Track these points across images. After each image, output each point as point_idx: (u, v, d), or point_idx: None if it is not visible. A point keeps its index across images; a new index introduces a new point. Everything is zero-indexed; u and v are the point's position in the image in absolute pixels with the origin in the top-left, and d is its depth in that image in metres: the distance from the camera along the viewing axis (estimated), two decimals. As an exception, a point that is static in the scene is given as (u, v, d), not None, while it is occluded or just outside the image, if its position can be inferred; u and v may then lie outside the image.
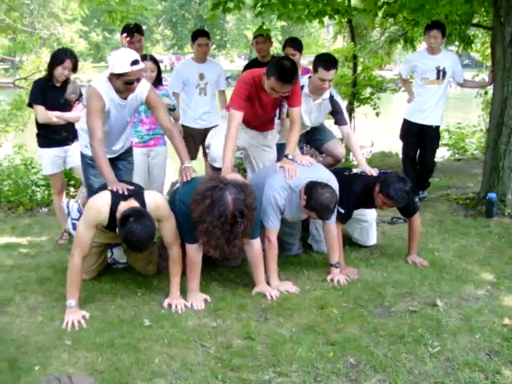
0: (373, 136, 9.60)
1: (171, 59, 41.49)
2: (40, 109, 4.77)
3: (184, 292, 3.78)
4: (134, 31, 5.40)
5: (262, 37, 5.82)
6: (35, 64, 9.68)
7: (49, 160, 4.95)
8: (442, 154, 9.08)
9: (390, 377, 2.85)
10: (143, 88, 3.90)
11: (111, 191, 3.59)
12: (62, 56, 4.73)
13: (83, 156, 4.29)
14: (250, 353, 3.10)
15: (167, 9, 49.66)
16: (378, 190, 4.06)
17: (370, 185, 4.16)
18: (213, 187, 3.47)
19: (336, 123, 4.77)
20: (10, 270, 4.34)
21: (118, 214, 3.49)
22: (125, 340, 3.21)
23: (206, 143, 4.59)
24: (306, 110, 4.63)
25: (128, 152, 4.44)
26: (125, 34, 5.32)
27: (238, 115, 4.08)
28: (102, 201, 3.55)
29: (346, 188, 4.13)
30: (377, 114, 8.42)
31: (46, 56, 9.85)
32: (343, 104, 4.84)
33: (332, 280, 4.06)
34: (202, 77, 5.71)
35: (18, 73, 10.51)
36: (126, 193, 3.58)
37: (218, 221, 3.38)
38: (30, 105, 4.95)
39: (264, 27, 5.46)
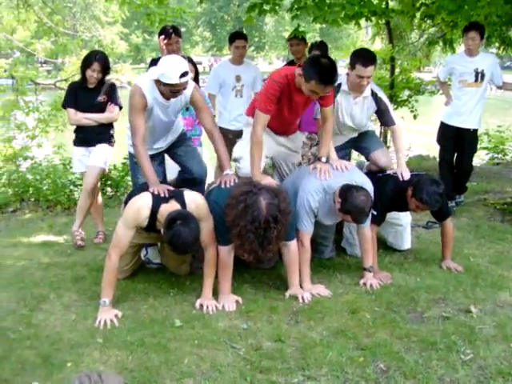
0: (410, 139, 9.47)
1: (210, 61, 41.75)
2: (70, 111, 4.92)
3: (216, 293, 3.80)
4: (171, 33, 5.43)
5: (297, 39, 5.81)
6: (75, 66, 9.84)
7: (77, 158, 5.12)
8: (480, 157, 8.91)
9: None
10: (187, 88, 3.90)
11: (152, 193, 3.64)
12: (90, 59, 4.83)
13: (131, 155, 4.39)
14: (280, 355, 3.09)
15: (206, 11, 49.93)
16: (411, 193, 4.01)
17: (403, 187, 4.12)
18: (247, 192, 3.48)
19: (383, 124, 4.61)
20: (47, 268, 4.43)
21: (160, 217, 3.54)
22: (155, 339, 3.25)
23: (235, 155, 4.38)
24: (346, 108, 4.44)
25: (180, 139, 4.43)
26: (162, 37, 5.36)
27: (265, 118, 3.94)
28: (143, 202, 3.60)
29: (378, 190, 4.09)
30: (414, 117, 8.30)
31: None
32: (388, 101, 4.52)
33: (365, 284, 4.02)
34: (238, 79, 5.74)
35: (59, 74, 10.77)
36: (166, 195, 3.62)
37: (251, 225, 3.38)
38: (64, 107, 5.06)
39: (300, 29, 5.43)
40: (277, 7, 5.51)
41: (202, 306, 3.69)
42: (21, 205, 6.55)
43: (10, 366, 2.98)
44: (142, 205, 3.59)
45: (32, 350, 3.15)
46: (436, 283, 4.04)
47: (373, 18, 6.12)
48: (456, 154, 5.94)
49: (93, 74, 4.81)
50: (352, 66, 4.22)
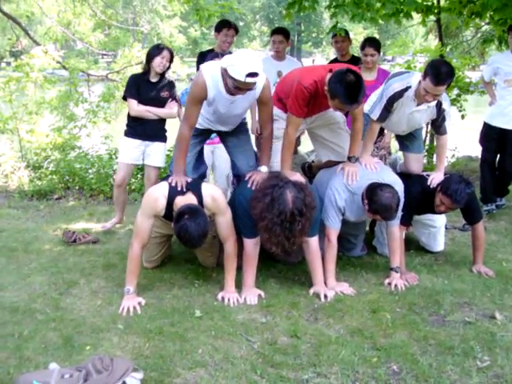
0: (458, 139, 9.24)
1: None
2: (132, 102, 4.87)
3: (240, 286, 3.85)
4: (220, 27, 5.57)
5: (340, 36, 5.77)
6: (127, 59, 10.10)
7: (128, 149, 5.04)
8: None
9: (431, 387, 2.78)
10: (259, 83, 3.65)
11: (169, 183, 3.71)
12: (159, 48, 4.88)
13: None
14: (293, 351, 3.11)
15: (264, 5, 50.09)
16: (439, 189, 3.97)
17: (431, 190, 4.07)
18: (273, 185, 3.51)
19: (435, 130, 4.39)
20: (81, 254, 4.59)
21: (175, 207, 3.61)
22: (173, 329, 3.32)
23: None
24: (406, 114, 4.17)
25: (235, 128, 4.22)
26: (215, 32, 5.61)
27: (299, 121, 3.93)
28: (159, 192, 3.68)
29: (405, 190, 4.05)
30: (462, 117, 8.08)
31: (138, 51, 10.20)
32: (450, 111, 4.23)
33: (389, 284, 3.99)
34: (279, 74, 5.74)
35: (111, 67, 11.04)
36: (184, 189, 3.67)
37: (277, 218, 3.42)
38: (125, 98, 5.03)
39: (339, 26, 5.38)
40: (316, 4, 5.46)
41: (223, 298, 3.74)
42: (65, 192, 6.76)
43: (34, 346, 3.12)
44: (158, 195, 3.67)
45: (56, 331, 3.28)
46: (463, 287, 3.96)
47: (416, 15, 5.97)
48: (499, 156, 5.77)
49: (162, 61, 4.79)
50: (424, 76, 3.87)
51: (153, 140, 5.02)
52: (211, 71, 3.65)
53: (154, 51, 4.84)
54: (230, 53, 5.22)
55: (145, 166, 5.17)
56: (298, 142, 5.17)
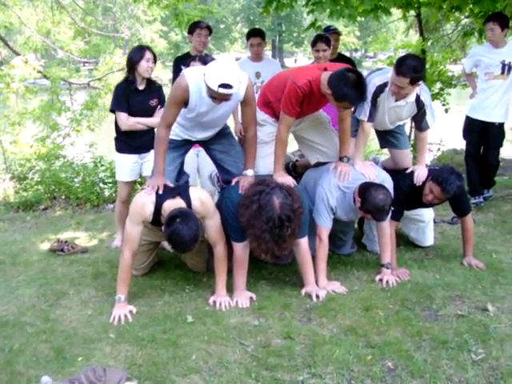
0: (443, 133, 9.28)
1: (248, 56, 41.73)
2: (123, 116, 4.56)
3: (231, 290, 3.82)
4: (192, 29, 5.52)
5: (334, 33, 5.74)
6: (108, 65, 10.03)
7: (127, 167, 4.75)
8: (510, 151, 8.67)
9: (426, 383, 2.77)
10: (241, 84, 3.58)
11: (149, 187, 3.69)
12: (141, 50, 4.54)
13: None
14: (288, 353, 3.09)
15: (244, 7, 50.09)
16: (429, 178, 4.01)
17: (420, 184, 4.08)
18: (260, 191, 3.49)
19: (416, 127, 4.35)
20: (70, 264, 4.54)
21: (164, 212, 3.58)
22: (166, 335, 3.29)
23: None
24: (387, 109, 4.19)
25: (218, 133, 4.10)
26: (188, 35, 5.52)
27: (291, 120, 3.91)
28: (146, 198, 3.64)
29: (394, 186, 4.06)
30: (446, 111, 8.13)
31: (119, 58, 10.14)
32: (430, 102, 4.19)
33: (381, 280, 3.98)
34: (258, 75, 5.72)
35: (92, 74, 10.97)
36: (160, 191, 3.63)
37: (266, 225, 3.40)
38: (113, 111, 4.66)
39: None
40: (293, 2, 5.44)
41: (215, 302, 3.72)
42: (52, 202, 6.70)
43: (25, 359, 3.07)
44: (145, 200, 3.63)
45: (47, 343, 3.24)
46: (455, 280, 3.96)
47: (397, 11, 5.99)
48: (482, 149, 5.80)
49: (148, 64, 4.49)
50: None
51: (148, 150, 4.69)
52: (195, 77, 3.58)
53: (137, 55, 4.51)
54: (206, 55, 5.19)
55: (145, 177, 4.78)
56: None
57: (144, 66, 4.50)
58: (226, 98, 3.49)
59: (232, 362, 3.02)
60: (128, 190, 4.93)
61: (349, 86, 3.52)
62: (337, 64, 4.04)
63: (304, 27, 50.34)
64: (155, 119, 4.57)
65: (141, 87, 4.61)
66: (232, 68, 3.47)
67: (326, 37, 5.29)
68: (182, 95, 3.63)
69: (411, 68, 3.82)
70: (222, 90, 3.37)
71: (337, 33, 5.81)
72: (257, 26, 44.96)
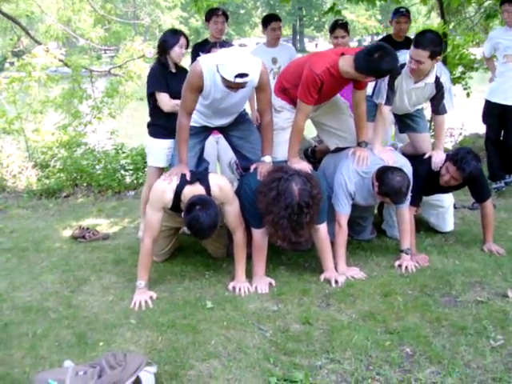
0: (465, 117, 9.17)
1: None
2: (165, 97, 4.42)
3: (250, 276, 3.85)
4: (209, 16, 5.52)
5: (405, 16, 5.66)
6: (129, 53, 10.08)
7: (162, 152, 4.58)
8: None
9: (444, 369, 2.77)
10: (255, 70, 3.56)
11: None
12: (176, 35, 4.46)
13: None
14: (306, 338, 3.11)
15: (265, -9, 49.72)
16: (447, 159, 4.01)
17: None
18: (278, 178, 3.48)
19: (433, 110, 4.33)
20: (92, 251, 4.61)
21: (183, 198, 3.61)
22: (186, 321, 3.33)
23: None
24: (406, 91, 4.16)
25: (237, 120, 4.11)
26: (205, 22, 5.51)
27: (309, 109, 3.89)
28: (166, 184, 3.67)
29: (413, 171, 4.03)
30: (467, 95, 8.04)
31: (139, 45, 10.19)
32: (450, 85, 4.20)
33: (400, 266, 3.98)
34: (274, 61, 5.71)
35: (113, 62, 11.03)
36: (177, 181, 3.65)
37: (284, 212, 3.40)
38: (151, 93, 4.50)
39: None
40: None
41: (234, 288, 3.75)
42: (74, 190, 6.79)
43: (48, 344, 3.14)
44: (165, 186, 3.66)
45: (69, 329, 3.30)
46: (474, 266, 3.94)
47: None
48: (503, 132, 5.72)
49: (181, 51, 4.43)
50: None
51: None
52: (208, 63, 3.57)
53: (171, 39, 4.43)
54: (225, 41, 5.17)
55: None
56: None
57: (177, 51, 4.44)
58: (242, 86, 3.49)
59: (251, 347, 3.05)
60: (159, 175, 4.82)
61: (380, 61, 3.53)
62: (354, 48, 4.01)
63: (325, 11, 50.02)
64: None
65: (173, 70, 4.54)
66: (245, 55, 3.46)
67: (343, 23, 5.24)
68: (197, 81, 3.62)
69: (430, 40, 3.83)
70: (238, 80, 3.36)
71: (407, 15, 5.68)
72: (277, 11, 44.93)
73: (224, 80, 3.43)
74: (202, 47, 5.16)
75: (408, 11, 5.74)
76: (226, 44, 4.47)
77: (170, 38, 4.45)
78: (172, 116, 4.33)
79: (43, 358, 3.02)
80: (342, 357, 2.92)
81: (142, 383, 2.63)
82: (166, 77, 4.46)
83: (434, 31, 4.23)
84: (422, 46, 3.81)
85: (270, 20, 5.74)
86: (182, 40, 4.44)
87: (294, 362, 2.89)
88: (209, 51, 4.29)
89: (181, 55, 4.47)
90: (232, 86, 3.48)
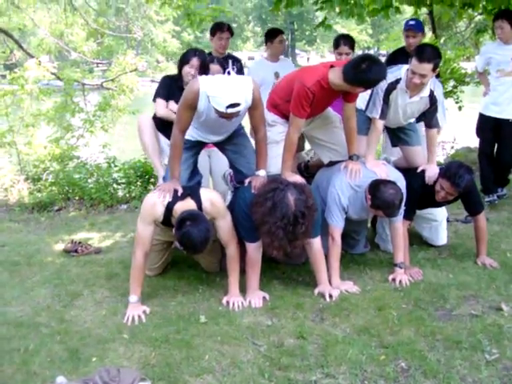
0: (457, 131, 9.23)
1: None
2: (161, 102, 4.53)
3: (244, 290, 3.83)
4: (214, 30, 5.59)
5: (413, 31, 5.43)
6: (121, 66, 10.08)
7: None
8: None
9: (440, 383, 2.76)
10: (247, 95, 3.55)
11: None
12: (189, 55, 4.51)
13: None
14: (300, 352, 3.10)
15: (256, 6, 50.07)
16: (439, 175, 4.01)
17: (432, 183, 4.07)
18: (274, 189, 3.49)
19: (425, 123, 4.31)
20: (84, 265, 4.57)
21: (175, 213, 3.59)
22: (179, 336, 3.31)
23: None
24: (400, 105, 4.16)
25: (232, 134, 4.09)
26: (210, 36, 5.56)
27: (301, 122, 3.90)
28: (157, 198, 3.65)
29: (406, 185, 4.04)
30: (459, 108, 8.10)
31: (132, 58, 10.21)
32: (442, 99, 4.24)
33: (394, 280, 3.97)
34: (277, 76, 5.74)
35: (105, 75, 11.04)
36: (170, 198, 3.62)
37: (281, 222, 3.40)
38: (155, 100, 4.63)
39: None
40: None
41: (228, 303, 3.73)
42: (66, 203, 6.73)
43: (40, 360, 3.10)
44: (155, 200, 3.64)
45: (61, 344, 3.27)
46: (468, 280, 3.94)
47: (409, 8, 5.96)
48: (496, 146, 5.76)
49: (190, 71, 4.43)
50: (411, 59, 3.95)
51: None
52: (205, 87, 3.52)
53: (184, 58, 4.53)
54: (230, 55, 5.19)
55: None
56: (301, 146, 5.05)
57: (186, 70, 4.47)
58: (236, 115, 3.51)
59: (245, 361, 3.03)
60: None
61: (370, 70, 3.55)
62: (343, 61, 4.04)
63: (316, 25, 50.46)
64: None
65: (184, 87, 4.38)
66: (234, 84, 3.45)
67: (348, 39, 5.15)
68: (192, 98, 3.60)
69: (433, 53, 3.88)
70: (230, 110, 3.37)
71: (413, 29, 5.45)
72: (269, 25, 45.15)
73: (217, 111, 3.44)
74: None
75: (417, 25, 5.53)
76: (229, 58, 4.52)
77: (183, 56, 4.56)
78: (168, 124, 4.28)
79: (35, 373, 2.98)
80: (336, 371, 2.91)
81: (136, 399, 2.60)
82: (172, 88, 4.53)
83: (431, 44, 4.35)
84: (427, 60, 3.83)
85: (277, 33, 5.80)
86: (194, 61, 4.44)
87: (288, 377, 2.87)
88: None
89: (189, 75, 4.43)
90: (225, 116, 3.48)
